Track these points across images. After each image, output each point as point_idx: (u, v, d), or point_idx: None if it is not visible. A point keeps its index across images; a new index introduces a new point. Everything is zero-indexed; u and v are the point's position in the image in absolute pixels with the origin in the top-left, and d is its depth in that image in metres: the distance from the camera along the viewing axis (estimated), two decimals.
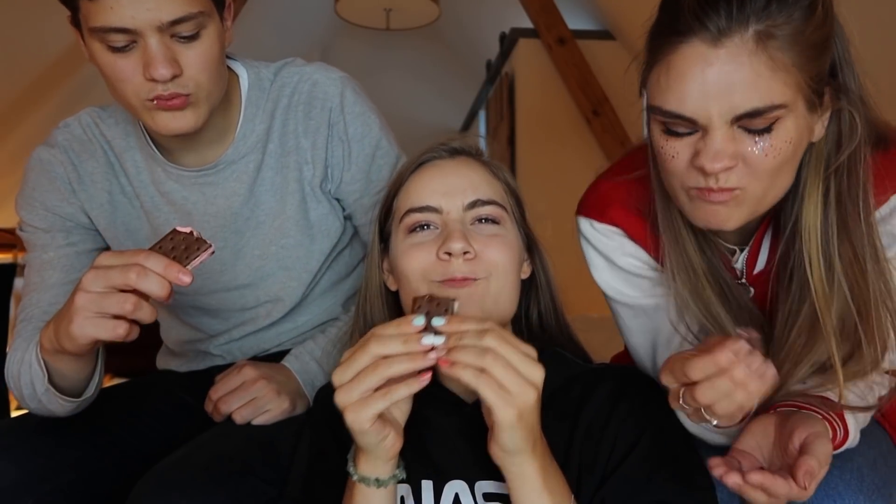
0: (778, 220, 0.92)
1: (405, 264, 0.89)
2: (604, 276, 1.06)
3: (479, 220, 0.90)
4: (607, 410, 0.86)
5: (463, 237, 0.86)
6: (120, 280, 0.79)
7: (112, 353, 1.11)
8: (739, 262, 0.98)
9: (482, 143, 5.06)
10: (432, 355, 0.70)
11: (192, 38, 0.98)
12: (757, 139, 0.80)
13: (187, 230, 0.83)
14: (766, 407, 0.85)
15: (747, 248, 0.97)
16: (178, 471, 0.95)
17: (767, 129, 0.79)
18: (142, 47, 0.95)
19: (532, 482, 0.74)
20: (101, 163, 1.18)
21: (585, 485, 0.83)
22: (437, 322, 0.72)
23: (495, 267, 0.88)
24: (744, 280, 0.99)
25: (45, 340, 0.92)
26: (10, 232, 3.01)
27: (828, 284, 0.85)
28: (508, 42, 3.87)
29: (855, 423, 0.86)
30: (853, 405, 0.86)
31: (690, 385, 0.75)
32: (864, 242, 0.84)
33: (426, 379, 0.71)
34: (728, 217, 0.85)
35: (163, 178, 1.17)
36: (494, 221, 0.90)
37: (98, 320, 0.81)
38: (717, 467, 0.76)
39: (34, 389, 0.97)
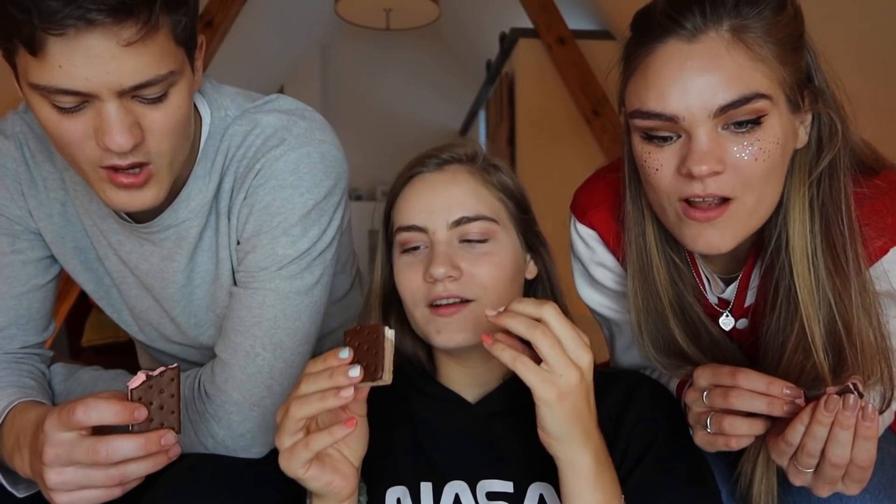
0: (767, 250, 0.89)
1: (400, 284, 0.91)
2: (578, 281, 1.07)
3: (467, 241, 0.88)
4: (617, 415, 0.87)
5: (445, 261, 0.86)
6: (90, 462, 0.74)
7: (111, 353, 1.09)
8: (727, 292, 0.96)
9: (482, 144, 5.05)
10: (344, 393, 0.68)
11: (159, 99, 0.80)
12: (745, 142, 0.77)
13: (149, 375, 0.75)
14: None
15: (737, 280, 0.94)
16: (190, 481, 0.91)
17: (754, 125, 0.77)
18: (95, 109, 0.78)
19: (582, 475, 0.72)
20: (57, 167, 1.00)
21: None
22: (490, 313, 0.72)
23: (484, 288, 0.87)
24: (728, 311, 0.96)
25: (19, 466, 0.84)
26: None
27: (816, 294, 0.82)
28: (508, 42, 3.86)
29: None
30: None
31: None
32: (848, 250, 0.81)
33: (350, 427, 0.69)
34: (721, 239, 0.82)
35: (103, 213, 1.00)
36: (482, 240, 0.89)
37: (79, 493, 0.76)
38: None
39: None
